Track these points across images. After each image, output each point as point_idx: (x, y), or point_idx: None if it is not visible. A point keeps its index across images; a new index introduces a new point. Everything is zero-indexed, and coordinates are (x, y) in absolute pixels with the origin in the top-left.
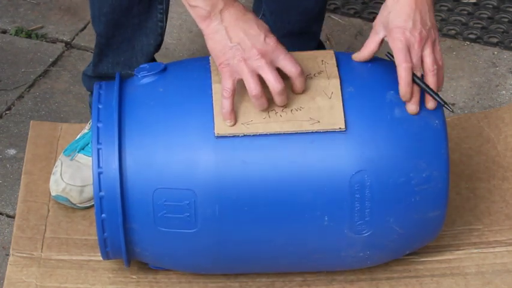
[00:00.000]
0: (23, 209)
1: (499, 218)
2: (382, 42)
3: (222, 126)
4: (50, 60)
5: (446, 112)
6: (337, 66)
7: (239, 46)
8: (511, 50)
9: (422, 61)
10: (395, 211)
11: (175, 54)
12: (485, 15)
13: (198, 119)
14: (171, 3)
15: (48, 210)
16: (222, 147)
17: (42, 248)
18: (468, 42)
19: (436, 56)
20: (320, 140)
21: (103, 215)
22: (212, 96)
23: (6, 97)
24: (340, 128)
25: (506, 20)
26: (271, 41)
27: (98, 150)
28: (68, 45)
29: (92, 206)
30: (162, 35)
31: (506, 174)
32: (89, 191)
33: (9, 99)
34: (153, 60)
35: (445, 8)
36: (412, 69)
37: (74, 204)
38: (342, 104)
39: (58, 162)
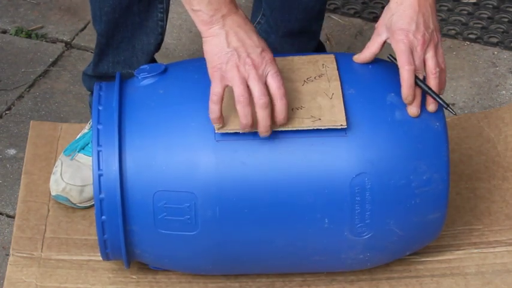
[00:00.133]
0: (23, 209)
1: (499, 218)
2: (384, 44)
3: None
4: (50, 60)
5: (446, 112)
6: (338, 68)
7: (235, 52)
8: (511, 50)
9: (424, 63)
10: (396, 213)
11: (175, 54)
12: (485, 15)
13: (198, 120)
14: (171, 3)
15: (48, 210)
16: (222, 149)
17: (42, 248)
18: (468, 42)
19: (438, 58)
20: (321, 142)
21: (103, 217)
22: None
23: (6, 97)
24: (341, 125)
25: (506, 20)
26: (267, 55)
27: (98, 152)
28: (68, 45)
29: (92, 205)
30: (162, 34)
31: (506, 174)
32: (89, 191)
33: (9, 99)
34: (153, 59)
35: (445, 8)
36: (415, 71)
37: (74, 204)
38: (343, 103)
39: (58, 162)
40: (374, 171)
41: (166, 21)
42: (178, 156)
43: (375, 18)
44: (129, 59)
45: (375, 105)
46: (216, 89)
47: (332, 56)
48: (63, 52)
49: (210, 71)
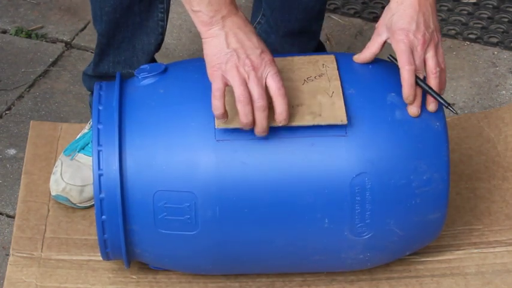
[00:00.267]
0: (23, 209)
1: (499, 218)
2: (385, 44)
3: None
4: (50, 60)
5: (446, 112)
6: (338, 68)
7: (234, 53)
8: (511, 50)
9: (424, 63)
10: (396, 213)
11: (175, 54)
12: (485, 15)
13: (198, 120)
14: (171, 3)
15: (48, 210)
16: (222, 148)
17: (42, 248)
18: (468, 42)
19: (438, 58)
20: (321, 142)
21: (103, 217)
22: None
23: (6, 97)
24: (342, 122)
25: (506, 20)
26: (267, 56)
27: (99, 152)
28: (68, 45)
29: (92, 205)
30: (162, 34)
31: (506, 174)
32: (89, 191)
33: (9, 99)
34: (154, 59)
35: (445, 8)
36: (415, 71)
37: (74, 204)
38: (343, 101)
39: (58, 162)
40: (374, 171)
41: (167, 21)
42: (178, 156)
43: (375, 18)
44: (130, 59)
45: (375, 105)
46: (217, 86)
47: (332, 56)
48: (63, 52)
49: (209, 71)
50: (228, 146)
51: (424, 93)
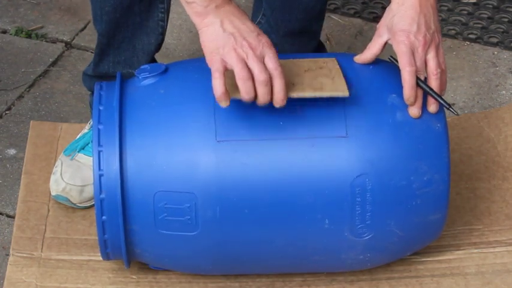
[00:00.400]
0: (23, 209)
1: (499, 218)
2: (385, 45)
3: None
4: (50, 60)
5: (446, 113)
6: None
7: (231, 36)
8: (511, 50)
9: (425, 64)
10: (396, 214)
11: (175, 54)
12: (485, 15)
13: (199, 120)
14: (171, 3)
15: (48, 210)
16: (222, 149)
17: (42, 248)
18: (468, 42)
19: (439, 59)
20: (321, 143)
21: (103, 217)
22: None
23: (6, 97)
24: (343, 93)
25: (506, 20)
26: (263, 38)
27: (99, 152)
28: (68, 45)
29: (92, 205)
30: (163, 34)
31: (506, 174)
32: (89, 191)
33: (9, 99)
34: (154, 59)
35: (445, 8)
36: (416, 72)
37: (74, 204)
38: (344, 81)
39: (58, 162)
40: (375, 171)
41: (167, 21)
42: (178, 156)
43: (375, 18)
44: (130, 59)
45: (375, 106)
46: (216, 67)
47: (334, 59)
48: (63, 52)
49: (208, 57)
50: (229, 146)
51: (425, 95)
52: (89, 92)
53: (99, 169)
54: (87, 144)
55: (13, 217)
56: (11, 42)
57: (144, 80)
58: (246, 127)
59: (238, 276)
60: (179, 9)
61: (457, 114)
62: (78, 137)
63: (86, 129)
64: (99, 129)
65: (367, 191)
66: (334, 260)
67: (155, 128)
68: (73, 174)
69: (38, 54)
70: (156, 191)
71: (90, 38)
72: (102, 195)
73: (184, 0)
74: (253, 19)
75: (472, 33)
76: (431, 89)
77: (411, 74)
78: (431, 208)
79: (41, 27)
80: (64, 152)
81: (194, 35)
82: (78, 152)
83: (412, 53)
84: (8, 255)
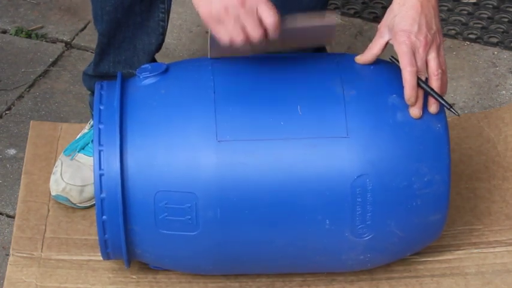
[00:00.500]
0: (23, 209)
1: (499, 218)
2: (387, 45)
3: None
4: (50, 60)
5: (446, 113)
6: (339, 68)
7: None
8: (511, 50)
9: (426, 65)
10: (397, 215)
11: (176, 54)
12: (485, 15)
13: (199, 121)
14: (172, 3)
15: (48, 210)
16: (223, 149)
17: (42, 248)
18: (468, 42)
19: (440, 60)
20: (322, 143)
21: (104, 217)
22: (214, 99)
23: (6, 97)
24: (335, 20)
25: (506, 20)
26: None
27: (100, 151)
28: (68, 45)
29: (92, 205)
30: (163, 34)
31: (506, 174)
32: (89, 191)
33: (9, 99)
34: (154, 59)
35: (445, 8)
36: (417, 73)
37: (74, 204)
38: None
39: (58, 162)
40: (375, 172)
41: (168, 21)
42: (179, 156)
43: (375, 18)
44: (130, 59)
45: (376, 107)
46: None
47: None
48: (63, 52)
49: (207, 24)
50: (229, 147)
51: (426, 95)
52: (89, 92)
53: (100, 169)
54: (87, 144)
55: (13, 217)
56: (11, 42)
57: (145, 79)
58: (247, 127)
59: (238, 276)
60: (179, 9)
61: (458, 115)
62: (78, 137)
63: (86, 129)
64: (99, 129)
65: (367, 191)
66: (334, 261)
67: (156, 127)
68: (73, 174)
69: (38, 54)
70: (156, 190)
71: (90, 38)
72: (103, 195)
73: None
74: None
75: (472, 33)
76: (432, 90)
77: (412, 74)
78: (432, 209)
79: (41, 27)
80: (64, 152)
81: (194, 35)
82: (78, 152)
83: (413, 53)
84: (8, 255)
